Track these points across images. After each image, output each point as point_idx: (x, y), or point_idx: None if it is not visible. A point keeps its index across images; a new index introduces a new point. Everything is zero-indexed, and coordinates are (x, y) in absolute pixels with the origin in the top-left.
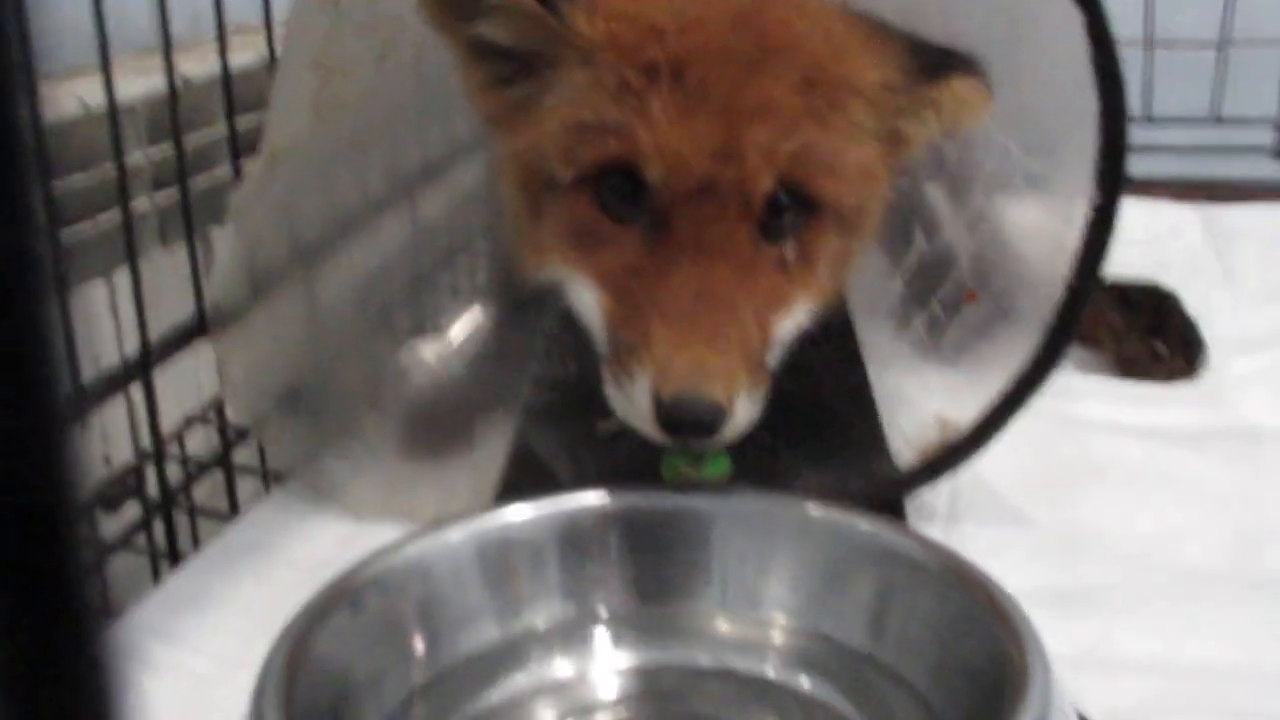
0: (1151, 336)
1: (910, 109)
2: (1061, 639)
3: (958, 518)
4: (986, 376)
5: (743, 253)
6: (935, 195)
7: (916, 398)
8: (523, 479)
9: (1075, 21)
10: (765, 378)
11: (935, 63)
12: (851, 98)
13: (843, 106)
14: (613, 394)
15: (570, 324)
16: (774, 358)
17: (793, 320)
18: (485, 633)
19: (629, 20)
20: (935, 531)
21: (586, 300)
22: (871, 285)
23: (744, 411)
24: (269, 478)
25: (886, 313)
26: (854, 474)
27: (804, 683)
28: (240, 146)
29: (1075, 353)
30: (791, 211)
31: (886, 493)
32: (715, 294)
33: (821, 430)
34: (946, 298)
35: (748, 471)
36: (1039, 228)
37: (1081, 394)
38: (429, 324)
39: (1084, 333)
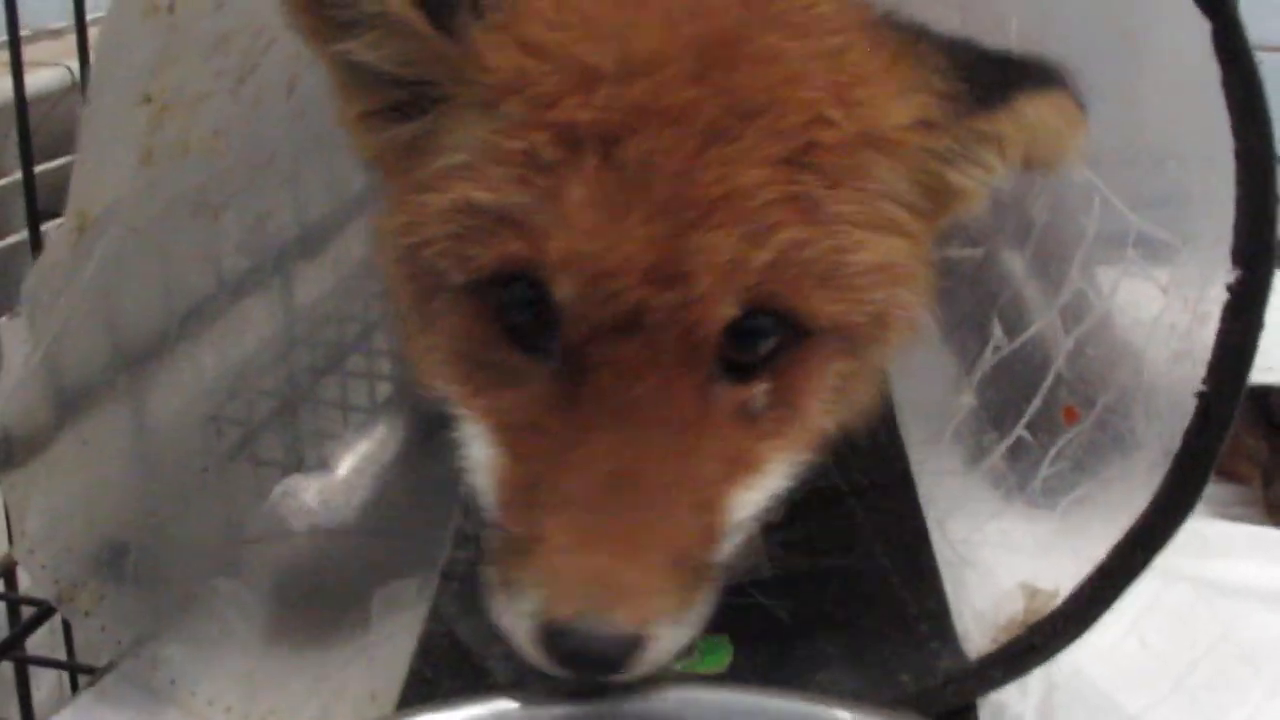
0: None
1: (960, 151)
2: None
3: None
4: (1091, 527)
5: (683, 412)
6: (1019, 272)
7: (993, 557)
8: (439, 675)
9: (1200, 32)
10: (706, 583)
11: (993, 80)
12: (871, 157)
13: (855, 174)
14: (495, 608)
15: None
16: (726, 548)
17: (761, 489)
18: None
19: (551, 55)
20: None
21: (477, 456)
22: (931, 398)
23: (669, 639)
24: (76, 673)
25: (952, 438)
26: (903, 667)
27: None
28: (42, 203)
29: (1210, 490)
30: (771, 338)
31: (950, 695)
32: (637, 477)
33: (857, 606)
34: (1036, 417)
35: (756, 662)
36: (1161, 319)
37: (1223, 549)
38: (309, 455)
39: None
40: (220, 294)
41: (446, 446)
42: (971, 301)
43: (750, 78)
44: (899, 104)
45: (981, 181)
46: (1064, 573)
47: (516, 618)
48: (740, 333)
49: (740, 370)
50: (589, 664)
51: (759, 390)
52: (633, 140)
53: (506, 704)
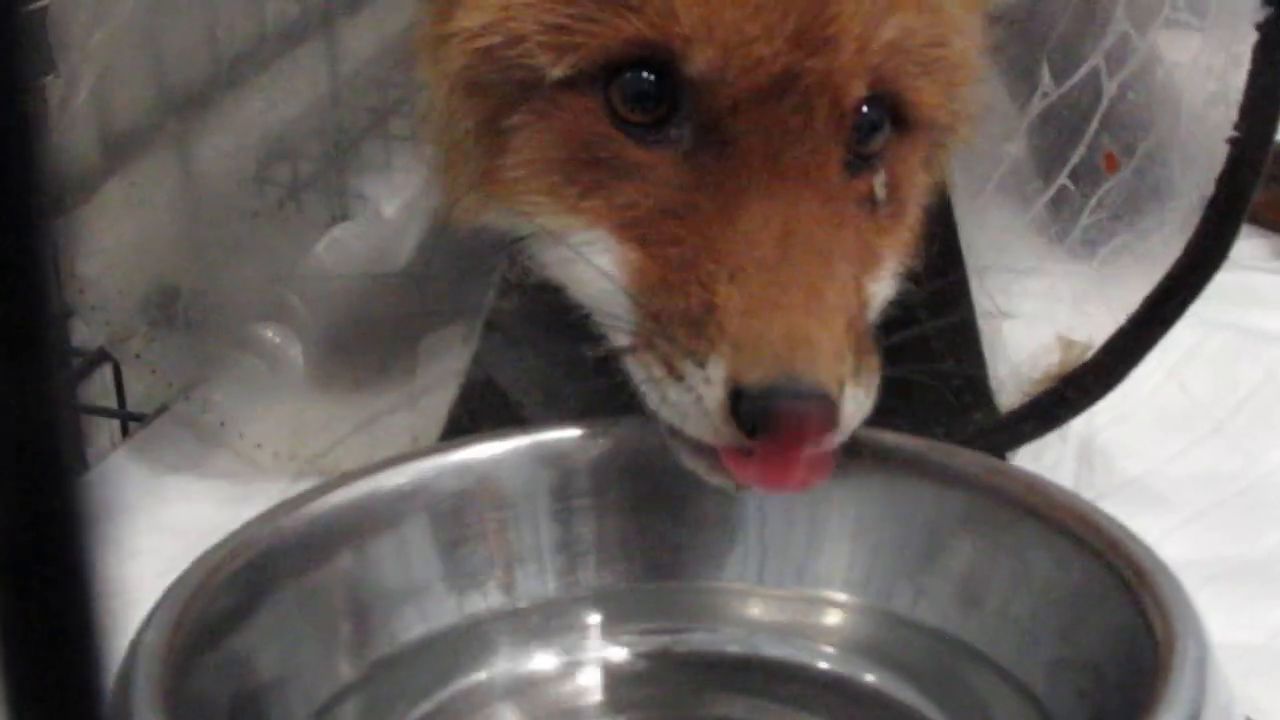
0: None
1: None
2: (1234, 624)
3: (1092, 465)
4: (1127, 279)
5: (832, 181)
6: (1068, 14)
7: (1031, 309)
8: (476, 421)
9: None
10: (874, 359)
11: None
12: None
13: None
14: (656, 393)
15: None
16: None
17: (885, 284)
18: (436, 613)
19: None
20: (1065, 474)
21: (602, 261)
22: (979, 147)
23: (854, 404)
24: (127, 421)
25: (997, 187)
26: (936, 421)
27: (868, 677)
28: None
29: (1265, 242)
30: (884, 132)
31: (981, 448)
32: (806, 236)
33: (891, 358)
34: (1079, 165)
35: None
36: (1199, 61)
37: (1268, 300)
38: (353, 205)
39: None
40: (265, 43)
41: None
42: (1021, 46)
43: None
44: None
45: None
46: (1099, 325)
47: (701, 392)
48: (860, 126)
49: (860, 164)
50: (788, 428)
51: (878, 181)
52: None
53: (589, 428)
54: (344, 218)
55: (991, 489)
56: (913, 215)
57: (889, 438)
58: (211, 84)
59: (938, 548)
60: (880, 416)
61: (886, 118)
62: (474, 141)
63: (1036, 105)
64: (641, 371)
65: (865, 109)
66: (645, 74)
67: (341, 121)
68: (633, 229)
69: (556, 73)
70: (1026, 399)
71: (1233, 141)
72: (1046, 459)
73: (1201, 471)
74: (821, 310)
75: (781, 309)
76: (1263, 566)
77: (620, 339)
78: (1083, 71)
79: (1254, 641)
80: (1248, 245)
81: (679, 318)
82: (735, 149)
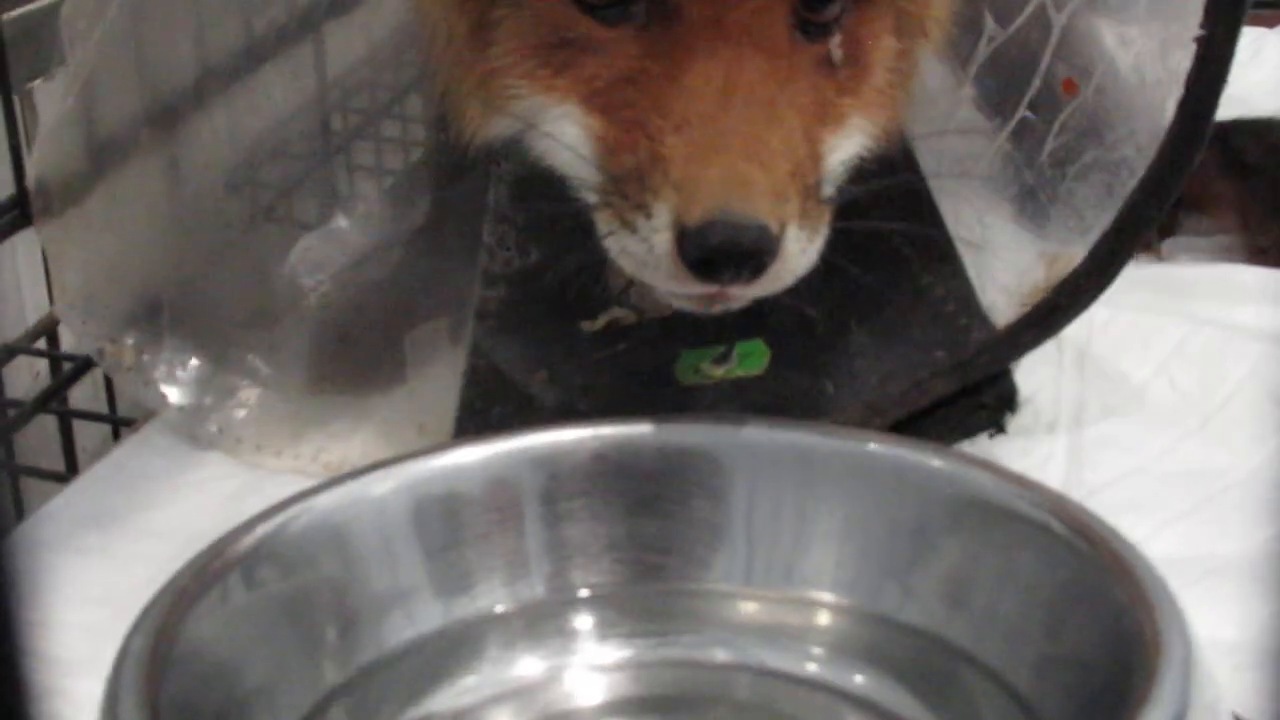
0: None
1: None
2: (1222, 621)
3: (1081, 461)
4: (1102, 190)
5: (777, 42)
6: None
7: (1010, 234)
8: (487, 404)
9: None
10: (822, 209)
11: None
12: None
13: None
14: (616, 245)
15: (525, 196)
16: (830, 187)
17: (848, 141)
18: (423, 617)
19: None
20: (1054, 470)
21: (568, 131)
22: (928, 94)
23: (798, 246)
24: (118, 426)
25: (956, 130)
26: (936, 345)
27: (857, 680)
28: None
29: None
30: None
31: (985, 363)
32: (747, 90)
33: (884, 295)
34: (1037, 96)
35: (792, 362)
36: None
37: (1253, 294)
38: (339, 211)
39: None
40: (251, 51)
41: (471, 193)
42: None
43: None
44: None
45: None
46: (1080, 241)
47: (651, 238)
48: None
49: (816, 31)
50: (732, 262)
51: (834, 43)
52: None
53: (574, 427)
54: (333, 221)
55: (979, 487)
56: (880, 76)
57: (877, 437)
58: (199, 88)
59: (926, 547)
60: (883, 351)
61: None
62: (470, 48)
63: (983, 50)
64: (604, 227)
65: None
66: None
67: (330, 122)
68: (596, 99)
69: None
70: (1024, 310)
71: (1199, 41)
72: (1035, 455)
73: (1190, 468)
74: (761, 154)
75: (721, 153)
76: (1252, 563)
77: (593, 200)
78: (1029, 10)
79: (1242, 638)
80: (1230, 240)
81: (631, 174)
82: (683, 18)
